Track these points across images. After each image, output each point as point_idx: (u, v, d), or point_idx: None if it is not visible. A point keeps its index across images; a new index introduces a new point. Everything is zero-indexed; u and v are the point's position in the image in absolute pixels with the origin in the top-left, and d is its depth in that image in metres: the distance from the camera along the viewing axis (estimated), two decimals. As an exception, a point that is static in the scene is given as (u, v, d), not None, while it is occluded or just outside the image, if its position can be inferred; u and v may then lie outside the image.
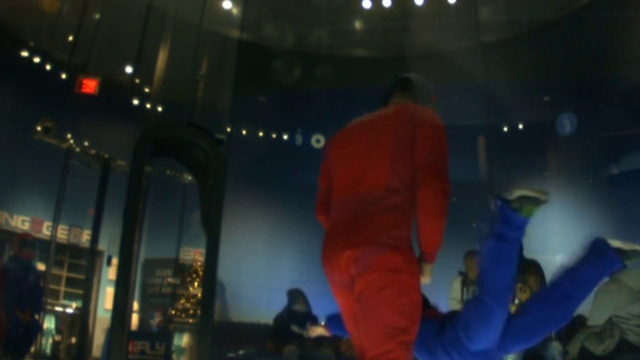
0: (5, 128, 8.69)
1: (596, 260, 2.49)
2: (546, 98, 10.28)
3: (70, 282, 9.67)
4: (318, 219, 2.43)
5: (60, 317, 8.79)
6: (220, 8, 9.68)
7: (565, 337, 5.16)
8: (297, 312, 6.30)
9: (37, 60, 9.18)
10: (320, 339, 6.24)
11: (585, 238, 2.62)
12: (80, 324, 7.67)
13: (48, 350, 8.15)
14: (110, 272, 9.15)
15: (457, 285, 5.50)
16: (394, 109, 2.29)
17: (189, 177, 8.40)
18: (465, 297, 5.40)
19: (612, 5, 8.82)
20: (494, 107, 9.02)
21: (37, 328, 6.41)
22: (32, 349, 6.55)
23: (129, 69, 10.19)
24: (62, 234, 9.39)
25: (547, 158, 11.13)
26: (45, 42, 9.22)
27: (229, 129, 9.73)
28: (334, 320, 2.94)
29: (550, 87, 9.93)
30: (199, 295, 8.74)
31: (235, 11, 9.90)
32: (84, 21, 8.65)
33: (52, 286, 8.56)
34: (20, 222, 9.27)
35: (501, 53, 9.34)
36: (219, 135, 4.05)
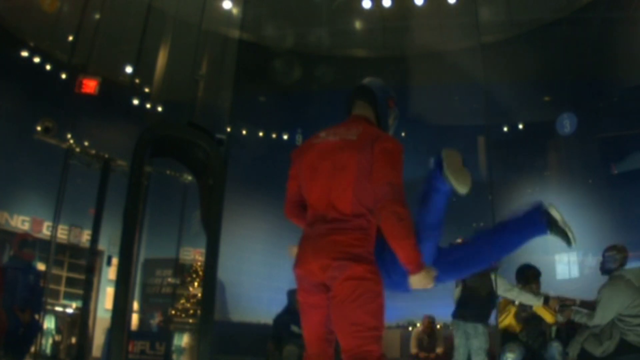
0: (5, 128, 8.69)
1: (527, 226, 2.79)
2: (546, 98, 10.29)
3: (70, 282, 9.67)
4: (288, 219, 2.68)
5: (60, 317, 8.79)
6: (220, 8, 9.67)
7: (565, 338, 5.17)
8: (297, 312, 6.28)
9: (37, 60, 9.18)
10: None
11: (530, 202, 2.84)
12: (80, 324, 7.67)
13: (48, 350, 8.15)
14: (110, 272, 9.14)
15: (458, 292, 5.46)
16: (357, 135, 2.45)
17: (189, 177, 8.40)
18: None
19: (612, 5, 8.82)
20: (494, 107, 9.02)
21: (37, 328, 6.40)
22: (32, 349, 6.54)
23: (129, 69, 10.19)
24: (62, 234, 9.39)
25: (547, 158, 11.13)
26: (45, 42, 9.23)
27: (229, 129, 9.71)
28: None
29: (550, 87, 9.93)
30: (199, 295, 8.74)
31: (235, 11, 9.89)
32: (84, 21, 8.64)
33: (52, 286, 8.55)
34: (20, 222, 9.27)
35: (501, 53, 9.33)
36: (219, 135, 4.06)
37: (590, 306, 4.66)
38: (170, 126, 5.12)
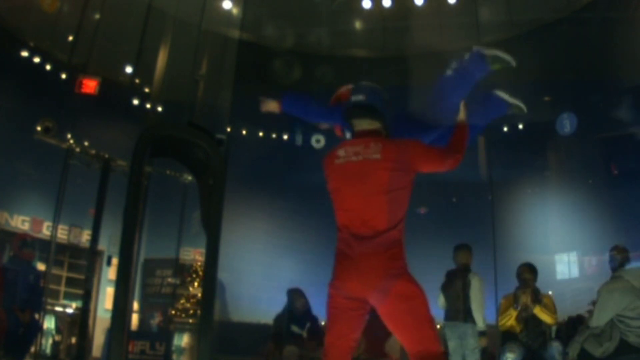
0: (5, 128, 8.69)
1: (469, 66, 3.12)
2: (546, 98, 10.28)
3: (70, 282, 9.66)
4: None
5: (60, 317, 8.78)
6: (220, 8, 9.66)
7: (565, 338, 5.17)
8: (297, 312, 6.29)
9: (37, 60, 9.17)
10: (320, 339, 6.25)
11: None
12: (80, 324, 7.67)
13: (48, 350, 8.14)
14: (110, 272, 9.14)
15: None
16: (380, 153, 2.56)
17: (189, 177, 8.40)
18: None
19: (612, 5, 8.82)
20: (494, 107, 9.00)
21: (37, 328, 6.40)
22: (32, 349, 6.54)
23: (129, 69, 10.18)
24: (62, 234, 9.39)
25: (547, 158, 11.13)
26: (45, 42, 9.22)
27: (229, 129, 9.72)
28: (289, 99, 3.27)
29: (550, 87, 9.92)
30: (199, 295, 8.73)
31: (235, 11, 9.89)
32: (84, 21, 8.64)
33: (52, 286, 8.55)
34: (20, 222, 9.27)
35: (501, 53, 9.30)
36: (219, 135, 4.06)
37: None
38: (170, 126, 5.12)
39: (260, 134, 11.44)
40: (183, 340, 8.81)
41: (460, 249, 5.54)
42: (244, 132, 11.18)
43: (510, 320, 5.14)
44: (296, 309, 6.31)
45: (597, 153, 10.33)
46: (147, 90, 9.81)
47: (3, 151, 8.56)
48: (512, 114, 3.36)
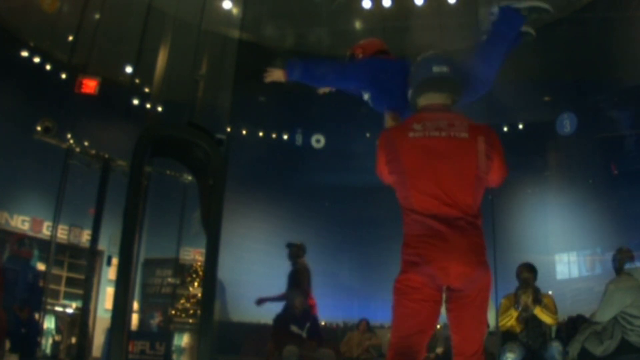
0: (5, 128, 8.69)
1: (504, 28, 3.00)
2: (546, 98, 10.28)
3: (70, 282, 9.66)
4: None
5: (60, 317, 8.78)
6: (220, 8, 9.67)
7: (565, 337, 5.16)
8: (296, 312, 6.30)
9: (37, 60, 9.18)
10: (320, 339, 6.25)
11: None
12: (80, 324, 7.67)
13: (48, 350, 8.15)
14: (110, 272, 9.14)
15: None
16: (467, 131, 2.39)
17: (189, 177, 8.39)
18: None
19: (612, 5, 8.82)
20: (494, 107, 9.01)
21: (36, 327, 6.40)
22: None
23: (129, 69, 10.19)
24: (62, 234, 9.39)
25: (547, 158, 11.13)
26: (45, 42, 9.22)
27: (229, 129, 9.73)
28: (295, 64, 3.07)
29: (550, 87, 9.93)
30: (199, 295, 8.73)
31: (235, 11, 9.89)
32: (84, 21, 8.64)
33: (52, 286, 8.55)
34: (20, 222, 9.27)
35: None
36: (219, 135, 4.05)
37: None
38: (170, 126, 5.12)
39: (260, 134, 11.45)
40: (183, 340, 8.81)
41: None
42: (244, 132, 11.18)
43: (510, 320, 5.13)
44: (296, 309, 6.31)
45: (597, 153, 10.33)
46: (147, 90, 9.81)
47: (3, 151, 8.56)
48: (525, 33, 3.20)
